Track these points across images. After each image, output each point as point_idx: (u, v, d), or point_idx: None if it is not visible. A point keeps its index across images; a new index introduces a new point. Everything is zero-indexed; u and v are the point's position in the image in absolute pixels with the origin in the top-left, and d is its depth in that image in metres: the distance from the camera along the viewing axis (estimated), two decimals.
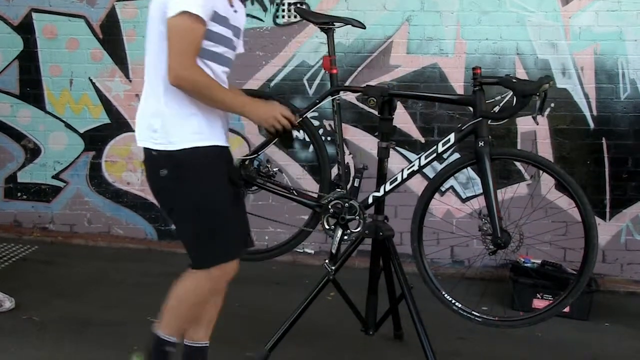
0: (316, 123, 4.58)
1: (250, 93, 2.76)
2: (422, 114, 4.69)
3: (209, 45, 2.26)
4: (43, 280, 4.12)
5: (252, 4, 4.72)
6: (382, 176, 2.99)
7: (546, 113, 4.56)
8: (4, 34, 4.90)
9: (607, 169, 4.58)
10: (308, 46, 4.71)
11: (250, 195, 3.23)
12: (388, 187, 2.96)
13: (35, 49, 4.90)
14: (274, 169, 3.08)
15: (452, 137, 2.89)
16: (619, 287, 4.52)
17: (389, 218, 3.07)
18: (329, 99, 3.02)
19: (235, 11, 2.37)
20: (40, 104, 4.96)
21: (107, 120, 4.94)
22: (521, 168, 4.61)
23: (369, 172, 3.04)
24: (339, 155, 3.05)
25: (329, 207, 2.96)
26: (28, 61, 4.92)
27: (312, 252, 4.85)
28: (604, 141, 4.57)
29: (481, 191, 2.88)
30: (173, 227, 3.16)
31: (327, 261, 3.01)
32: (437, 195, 3.35)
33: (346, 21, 3.04)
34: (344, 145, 3.52)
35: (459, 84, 4.62)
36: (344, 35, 4.55)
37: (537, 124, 4.55)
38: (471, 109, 2.87)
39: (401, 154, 4.66)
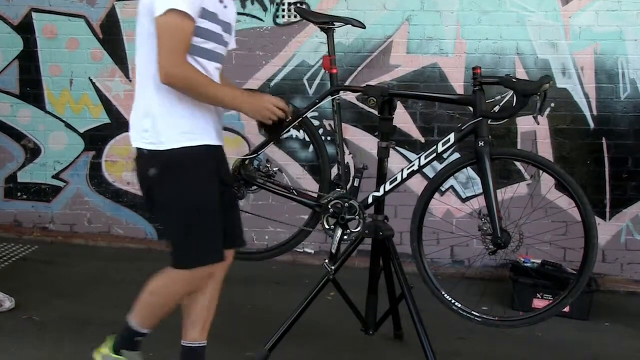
0: (316, 123, 4.57)
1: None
2: (422, 114, 4.68)
3: (199, 41, 2.25)
4: (43, 280, 4.12)
5: (252, 3, 4.71)
6: (382, 176, 2.99)
7: (546, 113, 4.55)
8: (4, 34, 4.89)
9: (607, 168, 4.58)
10: (308, 46, 4.71)
11: (250, 195, 3.23)
12: (388, 186, 2.96)
13: (35, 49, 4.89)
14: (274, 169, 3.08)
15: (452, 136, 2.89)
16: (619, 287, 4.51)
17: (388, 218, 3.07)
18: (329, 98, 3.02)
19: (225, 7, 2.36)
20: (40, 104, 4.95)
21: (107, 120, 4.93)
22: (521, 168, 4.61)
23: (369, 172, 3.04)
24: (339, 155, 3.05)
25: (329, 206, 2.96)
26: (28, 61, 4.91)
27: (312, 251, 4.84)
28: (604, 141, 4.57)
29: (481, 191, 2.89)
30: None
31: (326, 261, 3.01)
32: (437, 195, 3.35)
33: (346, 21, 3.04)
34: (344, 145, 3.52)
35: (459, 84, 4.61)
36: (343, 34, 4.55)
37: (538, 124, 4.55)
38: (471, 108, 2.87)
39: (401, 153, 4.65)
